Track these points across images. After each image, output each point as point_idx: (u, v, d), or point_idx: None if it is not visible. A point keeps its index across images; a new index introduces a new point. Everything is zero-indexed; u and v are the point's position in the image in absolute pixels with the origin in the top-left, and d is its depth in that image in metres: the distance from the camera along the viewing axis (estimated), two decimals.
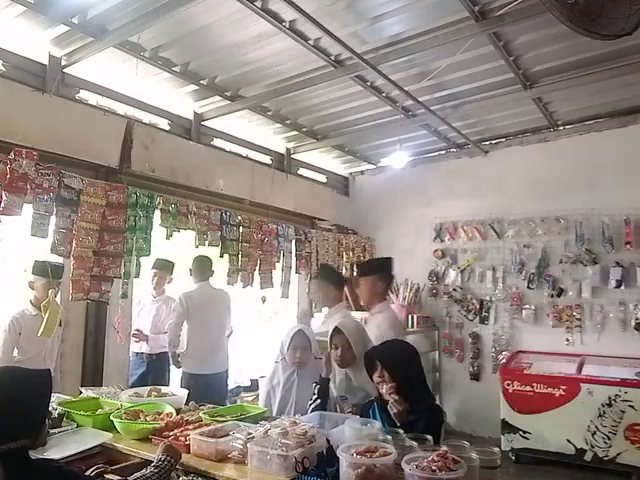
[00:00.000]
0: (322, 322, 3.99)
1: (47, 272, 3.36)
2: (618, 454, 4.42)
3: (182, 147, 4.43)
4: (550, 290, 5.49)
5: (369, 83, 4.39)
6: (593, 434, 4.52)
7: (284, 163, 5.91)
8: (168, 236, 3.77)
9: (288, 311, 6.08)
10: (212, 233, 4.05)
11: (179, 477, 2.08)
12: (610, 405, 4.47)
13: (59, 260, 3.38)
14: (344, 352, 2.84)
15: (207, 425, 2.47)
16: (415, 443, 1.94)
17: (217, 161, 4.76)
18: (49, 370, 1.80)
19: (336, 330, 2.90)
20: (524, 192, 5.71)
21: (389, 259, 3.87)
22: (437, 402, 2.51)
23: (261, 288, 4.68)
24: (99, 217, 3.27)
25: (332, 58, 3.91)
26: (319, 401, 2.75)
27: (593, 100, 4.90)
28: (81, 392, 3.19)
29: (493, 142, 5.98)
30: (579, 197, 5.37)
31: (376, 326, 3.35)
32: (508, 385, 4.91)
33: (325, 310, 4.16)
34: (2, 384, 1.62)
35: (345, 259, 5.76)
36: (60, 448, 2.24)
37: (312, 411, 2.68)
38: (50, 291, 3.34)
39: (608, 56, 3.99)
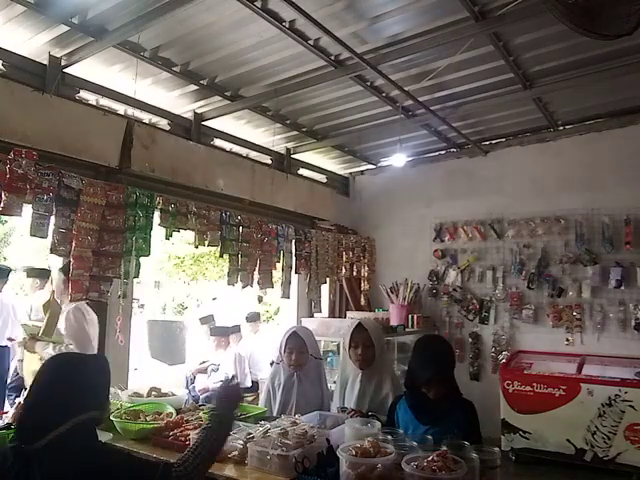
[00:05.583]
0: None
1: None
2: (618, 454, 4.43)
3: (182, 147, 4.43)
4: (550, 290, 5.49)
5: (369, 83, 4.39)
6: (593, 434, 4.52)
7: (284, 163, 5.91)
8: (168, 236, 3.77)
9: (288, 311, 6.09)
10: (212, 233, 4.04)
11: None
12: (610, 405, 4.47)
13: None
14: (365, 350, 2.73)
15: None
16: (415, 443, 1.94)
17: (217, 161, 4.75)
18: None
19: (358, 327, 2.79)
20: (524, 192, 5.71)
21: None
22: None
23: (261, 288, 4.67)
24: (99, 217, 3.26)
25: (332, 58, 3.91)
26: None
27: (593, 100, 4.90)
28: None
29: (493, 142, 5.98)
30: (579, 197, 5.37)
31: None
32: (508, 385, 4.92)
33: None
34: (80, 363, 1.72)
35: (345, 259, 5.75)
36: None
37: None
38: (51, 291, 3.35)
39: (608, 56, 3.98)
